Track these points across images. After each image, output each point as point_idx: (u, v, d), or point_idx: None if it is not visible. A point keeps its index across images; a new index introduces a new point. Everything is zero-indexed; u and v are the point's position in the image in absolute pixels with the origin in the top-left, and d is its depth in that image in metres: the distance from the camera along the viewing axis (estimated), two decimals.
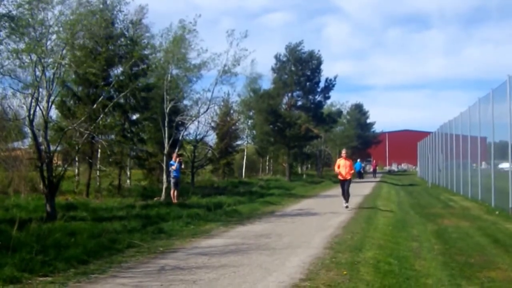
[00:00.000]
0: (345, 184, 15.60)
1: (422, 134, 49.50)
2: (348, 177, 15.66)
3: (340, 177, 15.81)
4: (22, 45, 10.39)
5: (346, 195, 15.59)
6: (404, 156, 78.07)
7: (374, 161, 53.71)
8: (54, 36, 10.99)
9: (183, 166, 18.95)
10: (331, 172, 53.29)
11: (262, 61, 58.54)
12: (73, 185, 19.82)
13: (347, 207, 15.32)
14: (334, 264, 7.06)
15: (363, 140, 59.19)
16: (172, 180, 16.89)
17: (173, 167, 16.85)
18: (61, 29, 11.07)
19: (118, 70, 17.99)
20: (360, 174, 43.30)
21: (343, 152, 16.32)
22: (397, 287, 5.93)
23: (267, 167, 43.85)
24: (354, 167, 46.72)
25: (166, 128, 17.77)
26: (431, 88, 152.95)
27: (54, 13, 10.88)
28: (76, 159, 19.67)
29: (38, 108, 10.94)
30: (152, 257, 7.74)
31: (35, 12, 10.46)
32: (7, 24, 10.12)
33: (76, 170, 22.09)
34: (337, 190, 28.44)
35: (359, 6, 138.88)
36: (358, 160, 46.85)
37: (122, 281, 6.09)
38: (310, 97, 36.03)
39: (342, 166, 15.71)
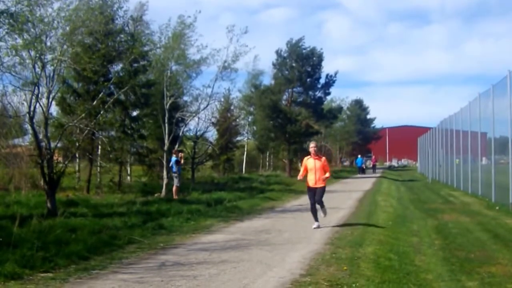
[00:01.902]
0: (315, 194, 10.34)
1: (422, 130, 49.55)
2: (321, 185, 10.34)
3: (307, 184, 10.55)
4: (21, 42, 10.38)
5: (315, 212, 10.51)
6: (404, 152, 78.06)
7: (374, 156, 53.44)
8: (53, 33, 10.99)
9: (182, 162, 18.99)
10: (331, 168, 53.39)
11: (262, 57, 58.91)
12: (73, 182, 19.87)
13: (318, 226, 10.33)
14: (334, 260, 7.07)
15: (363, 136, 59.14)
16: (178, 177, 16.95)
17: (181, 162, 16.99)
18: (60, 25, 11.06)
19: (118, 66, 18.00)
20: (362, 170, 43.39)
21: (312, 146, 10.53)
22: (397, 282, 5.94)
23: (267, 163, 43.87)
24: (356, 162, 47.02)
25: (166, 124, 17.79)
26: (432, 84, 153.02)
27: (53, 9, 10.88)
28: (77, 155, 19.68)
29: (38, 104, 10.95)
30: (153, 253, 7.76)
31: (34, 9, 10.45)
32: (6, 20, 10.10)
33: (77, 167, 22.13)
34: (338, 185, 28.66)
35: (359, 2, 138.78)
36: (359, 156, 46.90)
37: (123, 277, 6.11)
38: (311, 93, 36.00)
39: (310, 168, 10.32)
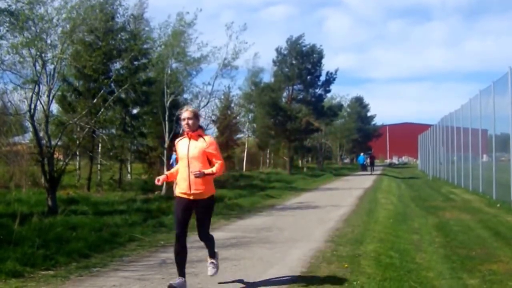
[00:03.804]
0: (188, 212, 5.41)
1: (422, 127, 49.47)
2: (202, 194, 5.31)
3: (177, 191, 5.42)
4: (21, 40, 10.37)
5: (182, 254, 5.38)
6: (404, 149, 78.15)
7: (371, 153, 52.53)
8: (53, 31, 10.98)
9: None
10: (332, 165, 53.36)
11: (262, 55, 59.24)
12: (74, 180, 19.87)
13: None
14: (335, 257, 7.07)
15: (364, 133, 59.16)
16: None
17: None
18: (60, 23, 11.06)
19: (119, 64, 17.99)
20: (364, 167, 43.36)
21: (186, 114, 5.32)
22: (398, 280, 5.93)
23: (267, 161, 43.85)
24: (358, 160, 46.64)
25: (166, 122, 17.79)
26: (432, 81, 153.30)
27: (53, 7, 10.87)
28: (77, 153, 19.69)
29: (39, 102, 10.96)
30: (153, 251, 7.76)
31: (34, 7, 10.43)
32: (7, 19, 10.10)
33: (77, 165, 22.14)
34: (338, 182, 28.70)
35: None
36: (362, 154, 46.87)
37: (124, 275, 6.11)
38: (311, 90, 36.02)
39: (181, 158, 5.39)
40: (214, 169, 5.30)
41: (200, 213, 5.43)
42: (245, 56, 39.23)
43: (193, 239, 8.82)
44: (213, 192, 5.52)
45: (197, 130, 5.40)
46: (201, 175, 5.17)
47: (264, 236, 9.05)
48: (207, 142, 5.34)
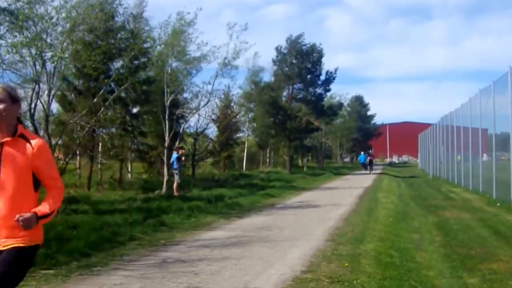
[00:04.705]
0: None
1: (423, 126, 49.36)
2: (10, 242, 2.92)
3: None
4: (21, 39, 10.38)
5: None
6: (405, 148, 78.03)
7: (370, 152, 51.78)
8: (53, 30, 10.99)
9: (183, 159, 19.06)
10: (331, 164, 53.33)
11: (263, 54, 59.12)
12: (74, 179, 19.85)
13: None
14: (335, 256, 7.07)
15: (364, 133, 59.03)
16: (179, 173, 17.07)
17: (183, 159, 17.45)
18: (60, 22, 11.07)
19: (119, 63, 17.98)
20: (365, 166, 43.35)
21: None
22: (399, 279, 5.93)
23: (267, 160, 43.84)
24: (359, 159, 46.38)
25: (166, 121, 17.77)
26: (433, 80, 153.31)
27: (53, 6, 10.87)
28: (77, 152, 19.70)
29: (39, 102, 10.97)
30: (154, 250, 7.76)
31: (34, 6, 10.44)
32: (7, 18, 10.10)
33: (78, 164, 22.14)
34: (338, 182, 28.70)
35: None
36: (362, 153, 46.80)
37: (125, 274, 6.11)
38: (311, 89, 35.98)
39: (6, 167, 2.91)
40: (49, 205, 3.16)
41: (3, 265, 2.92)
42: (245, 55, 39.28)
43: (191, 239, 8.85)
44: (39, 240, 3.21)
45: (16, 125, 3.05)
46: (32, 225, 2.98)
47: (264, 235, 9.05)
48: (35, 148, 3.03)
